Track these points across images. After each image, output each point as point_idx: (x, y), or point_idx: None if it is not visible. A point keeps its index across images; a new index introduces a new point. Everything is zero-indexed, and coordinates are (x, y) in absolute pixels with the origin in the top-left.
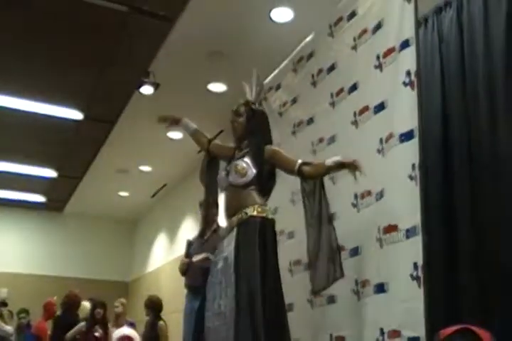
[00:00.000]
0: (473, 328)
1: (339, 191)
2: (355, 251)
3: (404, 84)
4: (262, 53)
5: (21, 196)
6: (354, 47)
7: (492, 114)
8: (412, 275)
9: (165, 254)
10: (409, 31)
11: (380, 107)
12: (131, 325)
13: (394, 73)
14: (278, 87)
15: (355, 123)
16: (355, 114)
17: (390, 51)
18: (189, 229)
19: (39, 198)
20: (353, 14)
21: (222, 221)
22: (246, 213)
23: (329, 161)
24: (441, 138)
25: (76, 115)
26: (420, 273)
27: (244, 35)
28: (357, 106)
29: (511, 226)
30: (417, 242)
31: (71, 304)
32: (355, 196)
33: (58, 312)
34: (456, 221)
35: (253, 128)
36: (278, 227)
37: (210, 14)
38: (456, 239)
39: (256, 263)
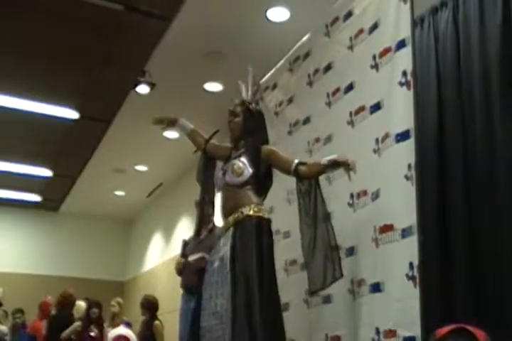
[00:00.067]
0: (469, 327)
1: (335, 191)
2: (351, 251)
3: (400, 84)
4: (258, 53)
5: (17, 195)
6: (350, 47)
7: (487, 114)
8: (407, 275)
9: (161, 254)
10: (405, 31)
11: (376, 107)
12: (128, 324)
13: (390, 73)
14: (274, 87)
15: (351, 123)
16: (351, 113)
17: (386, 51)
18: (185, 228)
19: (34, 197)
20: (349, 14)
21: (218, 220)
22: (242, 212)
23: (324, 160)
24: (437, 138)
25: (72, 114)
26: (416, 273)
27: (240, 35)
28: (353, 106)
29: (506, 227)
30: (413, 242)
31: (66, 303)
32: (351, 196)
33: (53, 312)
34: (452, 221)
35: (250, 128)
36: (274, 227)
37: (206, 13)
38: (451, 239)
39: (252, 263)
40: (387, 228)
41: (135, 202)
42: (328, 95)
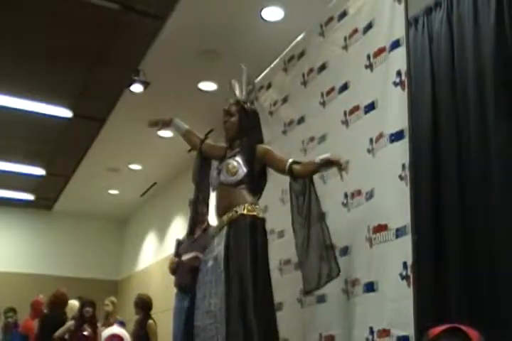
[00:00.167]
0: (462, 327)
1: (329, 190)
2: (344, 251)
3: (395, 84)
4: (252, 52)
5: (10, 194)
6: (345, 47)
7: (481, 114)
8: (401, 275)
9: (155, 253)
10: (399, 31)
11: (371, 107)
12: (121, 323)
13: (384, 73)
14: (269, 86)
15: (345, 122)
16: (345, 113)
17: (380, 51)
18: (179, 227)
19: (28, 196)
20: (343, 14)
21: (213, 220)
22: (236, 212)
23: (318, 159)
24: (431, 138)
25: (66, 113)
26: (410, 273)
27: (235, 34)
28: (347, 105)
29: (501, 227)
30: (407, 242)
31: (58, 303)
32: (346, 195)
33: (45, 311)
34: (446, 221)
35: (245, 127)
36: (268, 226)
37: (201, 12)
38: (445, 239)
39: (246, 262)
40: (381, 228)
41: (129, 201)
42: (322, 95)
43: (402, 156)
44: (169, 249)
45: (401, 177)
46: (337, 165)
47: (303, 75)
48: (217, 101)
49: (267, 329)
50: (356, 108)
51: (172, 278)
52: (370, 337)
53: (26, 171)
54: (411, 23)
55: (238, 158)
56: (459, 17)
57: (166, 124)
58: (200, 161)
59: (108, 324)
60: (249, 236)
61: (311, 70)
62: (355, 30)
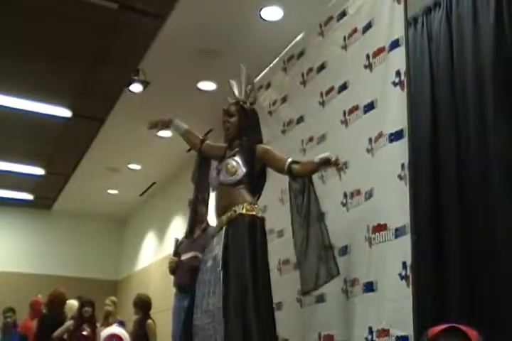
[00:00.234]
0: (461, 327)
1: (328, 190)
2: (344, 250)
3: (394, 83)
4: (252, 52)
5: (9, 194)
6: (344, 47)
7: (481, 114)
8: (400, 275)
9: (154, 253)
10: (398, 31)
11: (370, 107)
12: (121, 323)
13: (384, 73)
14: (268, 86)
15: (344, 122)
16: (344, 113)
17: (379, 51)
18: (178, 227)
19: (27, 196)
20: (343, 14)
21: (212, 220)
22: (235, 211)
23: (316, 158)
24: (431, 137)
25: (65, 113)
26: (409, 273)
27: (234, 34)
28: (347, 105)
29: (500, 226)
30: (406, 241)
31: (57, 302)
32: (345, 195)
33: (44, 311)
34: (445, 220)
35: (245, 127)
36: (267, 226)
37: (201, 12)
38: (445, 239)
39: (246, 262)
40: (380, 227)
41: (128, 201)
42: (321, 94)
43: (401, 156)
44: (168, 248)
45: (400, 177)
46: (334, 164)
47: (302, 75)
48: (216, 100)
49: (266, 329)
50: (355, 108)
51: (171, 277)
52: (370, 337)
53: (25, 171)
54: (410, 22)
55: (237, 158)
56: (458, 17)
57: (165, 125)
58: (199, 161)
59: (107, 324)
60: (248, 236)
61: (310, 70)
62: (355, 30)
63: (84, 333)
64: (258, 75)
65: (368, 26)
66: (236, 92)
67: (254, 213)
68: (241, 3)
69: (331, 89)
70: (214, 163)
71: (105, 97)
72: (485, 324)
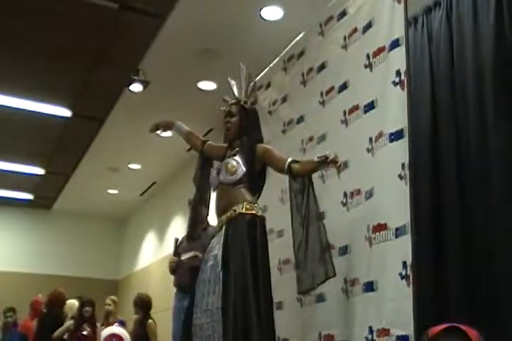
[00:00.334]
0: (462, 327)
1: (328, 190)
2: (344, 250)
3: (394, 83)
4: (252, 51)
5: (9, 193)
6: (344, 47)
7: (481, 113)
8: (401, 274)
9: (154, 252)
10: (399, 31)
11: (370, 106)
12: (121, 323)
13: (384, 72)
14: (268, 86)
15: (345, 122)
16: (345, 112)
17: (380, 50)
18: (178, 227)
19: (27, 196)
20: (343, 13)
21: (213, 219)
22: (235, 210)
23: (316, 157)
24: (431, 137)
25: (65, 113)
26: (409, 272)
27: (234, 33)
28: (347, 105)
29: (500, 226)
30: (406, 241)
31: (56, 302)
32: (345, 195)
33: (44, 311)
34: (446, 220)
35: (246, 127)
36: (267, 226)
37: (201, 12)
38: (445, 239)
39: (246, 261)
40: (380, 227)
41: (128, 201)
42: (322, 94)
43: (401, 155)
44: (169, 248)
45: (400, 177)
46: (333, 162)
47: (302, 75)
48: (216, 100)
49: (266, 328)
50: (356, 107)
51: (171, 277)
52: (370, 337)
53: (25, 170)
54: (410, 22)
55: (237, 158)
56: (459, 16)
57: (167, 128)
58: (201, 162)
59: (108, 323)
60: (248, 235)
61: (310, 70)
62: (355, 30)
63: (85, 333)
64: (258, 75)
65: (368, 26)
66: (236, 92)
67: (254, 212)
68: (241, 3)
69: (331, 88)
70: (216, 163)
71: (105, 97)
72: (485, 324)
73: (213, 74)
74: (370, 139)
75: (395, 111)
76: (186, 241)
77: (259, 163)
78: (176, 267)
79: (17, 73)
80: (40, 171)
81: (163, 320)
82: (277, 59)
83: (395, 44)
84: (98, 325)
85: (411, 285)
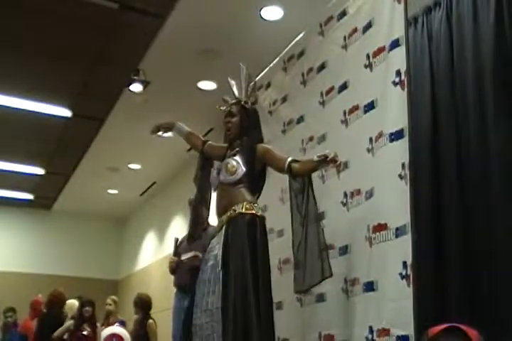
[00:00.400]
0: (462, 327)
1: (329, 190)
2: (344, 250)
3: (394, 83)
4: (252, 51)
5: (9, 193)
6: (344, 47)
7: (481, 113)
8: (401, 274)
9: (154, 252)
10: (399, 31)
11: (370, 106)
12: (122, 323)
13: (384, 72)
14: (268, 86)
15: (345, 122)
16: (345, 112)
17: (380, 50)
18: (178, 227)
19: (27, 196)
20: (343, 13)
21: (213, 219)
22: (235, 210)
23: (315, 156)
24: (431, 137)
25: (65, 113)
26: (409, 272)
27: (234, 33)
28: (347, 105)
29: (501, 226)
30: (407, 241)
31: (56, 302)
32: (345, 195)
33: (44, 311)
34: (446, 220)
35: (246, 127)
36: (267, 225)
37: (201, 12)
38: (445, 238)
39: (246, 261)
40: (380, 227)
41: (128, 201)
42: (322, 94)
43: (401, 155)
44: (169, 248)
45: (401, 177)
46: (332, 161)
47: (302, 75)
48: (216, 100)
49: (266, 328)
50: (356, 107)
51: (171, 277)
52: (370, 337)
53: (25, 171)
54: (410, 22)
55: (237, 158)
56: (459, 16)
57: (168, 129)
58: (202, 162)
59: (108, 323)
60: (247, 235)
61: (310, 70)
62: (355, 30)
63: (85, 333)
64: (258, 75)
65: (368, 26)
66: (236, 92)
67: (253, 212)
68: (241, 3)
69: (331, 88)
70: (216, 163)
71: (105, 97)
72: (485, 323)
73: (213, 74)
74: (370, 139)
75: (395, 111)
76: (187, 241)
77: (260, 163)
78: (176, 267)
79: (17, 73)
80: (40, 171)
81: (164, 320)
82: (277, 59)
83: (395, 44)
84: (98, 324)
85: (411, 285)
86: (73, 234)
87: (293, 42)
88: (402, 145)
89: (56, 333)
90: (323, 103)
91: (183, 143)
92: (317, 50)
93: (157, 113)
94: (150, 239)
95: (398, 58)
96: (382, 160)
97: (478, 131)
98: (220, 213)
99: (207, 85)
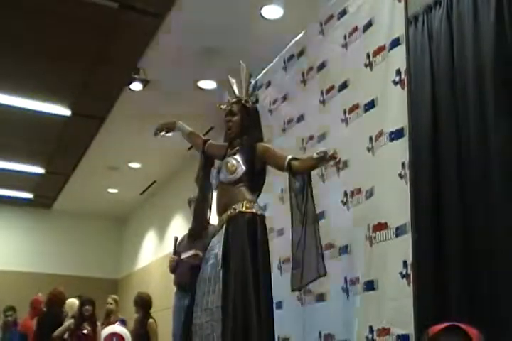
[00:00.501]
0: (462, 326)
1: (329, 189)
2: (344, 249)
3: (394, 82)
4: (252, 50)
5: (9, 193)
6: (344, 46)
7: (481, 112)
8: (401, 273)
9: (154, 251)
10: (399, 30)
11: (370, 105)
12: (123, 322)
13: (384, 71)
14: (268, 85)
15: (345, 121)
16: (345, 111)
17: (380, 49)
18: (178, 226)
19: (27, 195)
20: (343, 12)
21: (213, 218)
22: (235, 209)
23: (315, 153)
24: (431, 136)
25: (65, 111)
26: (409, 271)
27: (234, 32)
28: (347, 104)
29: (501, 225)
30: (407, 240)
31: (56, 301)
32: (345, 194)
33: (44, 310)
34: (446, 219)
35: (247, 126)
36: (267, 225)
37: (201, 11)
38: (445, 238)
39: (246, 259)
40: (381, 226)
41: (128, 200)
42: (322, 93)
43: (401, 154)
44: (169, 247)
45: (401, 176)
46: (332, 158)
47: (302, 73)
48: (216, 99)
49: (266, 327)
50: (356, 106)
51: (172, 276)
52: (370, 336)
53: (25, 170)
54: (411, 21)
55: (237, 157)
56: (459, 15)
57: (169, 129)
58: (203, 161)
59: (109, 322)
60: (248, 234)
61: (310, 69)
62: (355, 29)
63: (85, 332)
64: (258, 74)
65: (369, 25)
66: (237, 91)
67: (253, 211)
68: (241, 2)
69: (332, 87)
70: (217, 163)
71: (105, 96)
72: (485, 322)
73: (213, 73)
74: (371, 138)
75: (395, 110)
76: (188, 239)
77: (260, 162)
78: (176, 266)
79: (17, 73)
80: (40, 170)
81: (164, 319)
82: (277, 58)
83: (395, 43)
84: (98, 323)
85: (411, 284)
86: (73, 233)
87: (293, 41)
88: (402, 145)
89: (56, 332)
90: (323, 102)
91: (183, 142)
92: (317, 49)
93: (157, 112)
94: (150, 237)
95: (398, 57)
96: (383, 160)
97: (479, 130)
98: (220, 212)
99: (207, 84)
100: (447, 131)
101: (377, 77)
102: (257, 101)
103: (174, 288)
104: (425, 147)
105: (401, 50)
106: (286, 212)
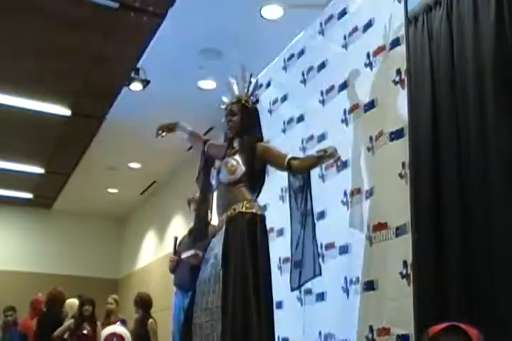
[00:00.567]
0: (462, 326)
1: (329, 189)
2: (344, 249)
3: (395, 82)
4: (252, 50)
5: (9, 193)
6: (344, 46)
7: (481, 112)
8: (401, 273)
9: (154, 251)
10: (399, 29)
11: (371, 105)
12: (123, 322)
13: (384, 71)
14: (268, 85)
15: (345, 121)
16: (345, 111)
17: (380, 49)
18: (178, 226)
19: (27, 195)
20: (343, 12)
21: (214, 219)
22: (235, 209)
23: (315, 152)
24: (431, 136)
25: (65, 111)
26: (409, 271)
27: (234, 32)
28: (347, 104)
29: (500, 225)
30: (407, 240)
31: (55, 301)
32: (345, 194)
33: (44, 310)
34: (446, 219)
35: (247, 126)
36: (267, 225)
37: (201, 11)
38: (445, 238)
39: (246, 259)
40: (381, 226)
41: (128, 200)
42: (322, 93)
43: (401, 155)
44: (169, 247)
45: (401, 176)
46: (332, 156)
47: (302, 73)
48: (216, 99)
49: (266, 327)
50: (356, 106)
51: (171, 276)
52: (370, 336)
53: (25, 170)
54: (411, 21)
55: (237, 157)
56: (459, 15)
57: (171, 129)
58: (203, 162)
59: (109, 322)
60: (248, 234)
61: (310, 69)
62: (355, 29)
63: (85, 332)
64: (258, 74)
65: (369, 25)
66: (236, 91)
67: (253, 211)
68: (241, 2)
69: (332, 87)
70: (217, 163)
71: (105, 96)
72: (485, 323)
73: (214, 74)
74: (371, 138)
75: (395, 110)
76: (188, 238)
77: (259, 162)
78: (176, 266)
79: (17, 72)
80: (39, 170)
81: (164, 319)
82: (277, 58)
83: (395, 43)
84: (98, 323)
85: (411, 284)
86: (73, 233)
87: (293, 41)
88: (403, 145)
89: (56, 332)
90: (323, 102)
91: (183, 142)
92: (317, 49)
93: (157, 112)
94: (150, 237)
95: (398, 57)
96: (383, 160)
97: (479, 130)
98: (220, 212)
99: (207, 84)
100: (447, 131)
101: (378, 77)
102: (257, 101)
103: (174, 288)
104: (425, 147)
105: (401, 50)
106: (286, 211)
